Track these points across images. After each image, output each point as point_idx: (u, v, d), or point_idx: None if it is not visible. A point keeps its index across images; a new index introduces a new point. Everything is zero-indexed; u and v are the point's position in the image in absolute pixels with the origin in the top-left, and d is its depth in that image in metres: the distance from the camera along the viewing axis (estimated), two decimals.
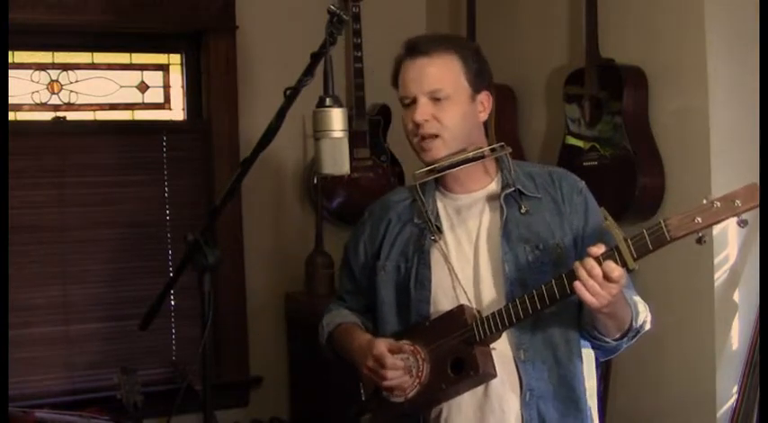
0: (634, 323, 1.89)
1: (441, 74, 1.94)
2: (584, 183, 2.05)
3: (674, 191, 2.79)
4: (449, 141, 1.95)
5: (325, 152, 1.72)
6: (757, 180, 2.58)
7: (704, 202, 1.68)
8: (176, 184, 3.60)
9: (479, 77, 1.98)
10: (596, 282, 1.72)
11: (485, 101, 2.00)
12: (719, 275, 2.67)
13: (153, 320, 1.95)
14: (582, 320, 1.94)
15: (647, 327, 1.96)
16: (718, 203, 1.66)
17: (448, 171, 1.98)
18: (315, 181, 3.61)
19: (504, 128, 3.37)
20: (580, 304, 1.88)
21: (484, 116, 2.01)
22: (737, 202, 1.66)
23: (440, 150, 1.95)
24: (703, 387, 2.69)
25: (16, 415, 2.81)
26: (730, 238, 2.66)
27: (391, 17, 3.75)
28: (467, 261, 1.98)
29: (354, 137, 3.54)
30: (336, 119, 1.71)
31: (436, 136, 1.94)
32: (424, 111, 1.93)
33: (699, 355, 2.71)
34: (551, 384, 1.93)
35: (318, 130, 1.72)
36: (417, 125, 1.94)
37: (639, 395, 2.93)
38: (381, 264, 2.07)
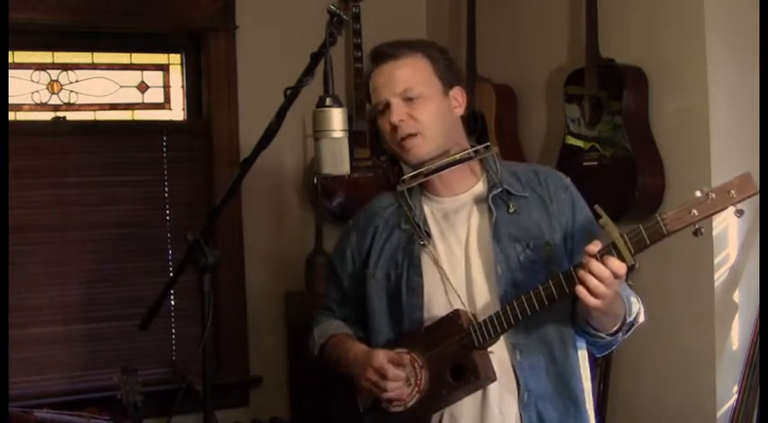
0: (628, 317, 1.87)
1: (410, 74, 1.93)
2: (569, 179, 2.03)
3: (674, 191, 2.79)
4: (429, 138, 1.93)
5: (325, 152, 1.71)
6: (757, 180, 2.60)
7: (698, 194, 1.66)
8: (176, 184, 3.60)
9: (449, 73, 1.98)
10: (604, 283, 1.68)
11: (458, 96, 1.99)
12: (719, 275, 2.67)
13: (153, 320, 1.95)
14: (576, 317, 1.92)
15: (641, 319, 1.92)
16: (713, 195, 1.65)
17: (435, 174, 1.96)
18: (315, 181, 3.61)
19: (504, 128, 3.37)
20: (574, 301, 1.85)
21: (460, 111, 2.00)
22: (732, 192, 1.64)
23: (422, 148, 1.93)
24: (703, 387, 2.69)
25: (16, 415, 2.81)
26: (730, 238, 2.66)
27: (391, 17, 3.75)
28: (458, 264, 1.95)
29: (354, 137, 3.53)
30: (336, 119, 1.71)
31: (416, 134, 1.92)
32: (398, 112, 1.91)
33: (699, 355, 2.72)
34: (549, 384, 1.90)
35: (318, 130, 1.71)
36: (395, 128, 1.92)
37: (639, 395, 2.93)
38: (371, 272, 2.03)
